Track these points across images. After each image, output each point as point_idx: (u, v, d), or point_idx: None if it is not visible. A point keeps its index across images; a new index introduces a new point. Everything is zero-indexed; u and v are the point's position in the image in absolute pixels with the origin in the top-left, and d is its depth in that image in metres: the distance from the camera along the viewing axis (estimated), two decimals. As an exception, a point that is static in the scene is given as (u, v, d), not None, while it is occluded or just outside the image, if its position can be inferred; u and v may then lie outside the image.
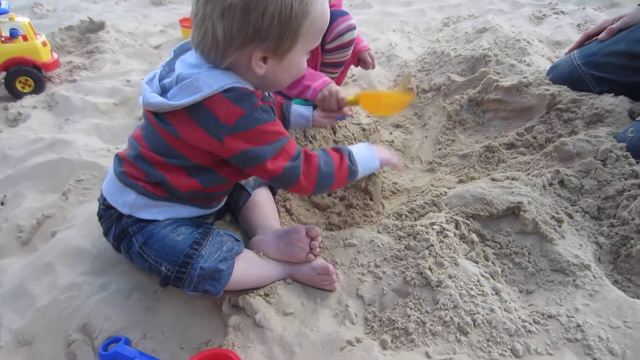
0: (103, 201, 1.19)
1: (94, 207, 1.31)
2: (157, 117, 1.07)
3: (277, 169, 1.03)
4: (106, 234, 1.20)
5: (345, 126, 1.98)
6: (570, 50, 1.85)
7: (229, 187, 1.25)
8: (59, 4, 5.60)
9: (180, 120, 1.03)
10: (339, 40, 1.84)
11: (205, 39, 1.00)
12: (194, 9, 1.02)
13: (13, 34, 2.79)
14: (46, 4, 5.56)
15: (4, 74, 2.77)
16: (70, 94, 2.58)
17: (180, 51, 1.14)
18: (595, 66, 1.72)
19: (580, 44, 1.85)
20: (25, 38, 2.79)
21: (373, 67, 2.01)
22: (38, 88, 2.78)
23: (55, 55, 2.99)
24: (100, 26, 3.89)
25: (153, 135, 1.10)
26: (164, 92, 1.06)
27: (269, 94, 1.11)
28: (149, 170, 1.10)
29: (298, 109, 1.49)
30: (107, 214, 1.17)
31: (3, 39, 2.77)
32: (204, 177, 1.11)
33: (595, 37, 1.81)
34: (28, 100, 2.61)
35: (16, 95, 2.74)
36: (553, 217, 1.25)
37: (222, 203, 1.31)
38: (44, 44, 2.88)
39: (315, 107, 1.53)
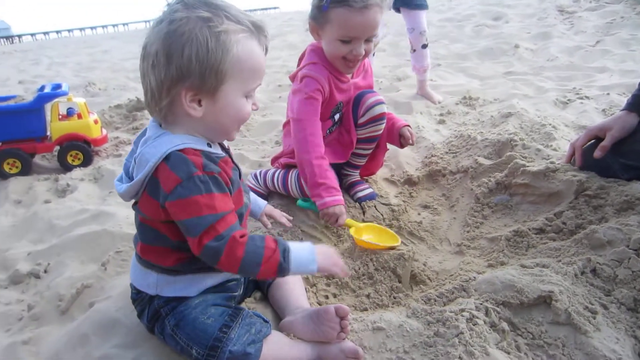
0: (133, 287, 1.25)
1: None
2: (134, 207, 1.16)
3: (199, 248, 1.03)
4: (140, 315, 1.25)
5: (375, 206, 2.04)
6: (568, 159, 1.87)
7: None
8: (110, 83, 6.13)
9: (143, 199, 1.11)
10: (370, 114, 1.97)
11: (147, 94, 1.09)
12: (140, 72, 1.11)
13: (70, 113, 3.07)
14: (98, 83, 6.10)
15: (57, 148, 3.01)
16: (115, 168, 2.76)
17: (138, 140, 1.19)
18: (622, 154, 1.75)
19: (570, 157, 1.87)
20: (79, 116, 3.06)
21: (412, 143, 2.10)
22: (87, 161, 3.00)
23: (105, 131, 3.25)
24: (146, 105, 4.20)
25: (138, 225, 1.19)
26: (132, 179, 1.12)
27: (217, 162, 1.11)
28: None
29: (255, 197, 1.58)
30: (139, 297, 1.23)
31: (60, 116, 3.04)
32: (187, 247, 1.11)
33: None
34: (77, 173, 2.80)
35: (66, 168, 2.95)
36: (587, 307, 1.22)
37: None
38: (96, 122, 3.14)
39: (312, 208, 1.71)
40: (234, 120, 1.14)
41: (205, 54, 1.02)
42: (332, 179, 1.78)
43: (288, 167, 2.01)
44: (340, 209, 1.71)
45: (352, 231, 1.70)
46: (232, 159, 1.22)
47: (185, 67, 1.02)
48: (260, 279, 1.36)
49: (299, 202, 1.80)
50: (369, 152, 2.13)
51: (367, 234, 1.74)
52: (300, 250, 1.13)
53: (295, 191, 1.95)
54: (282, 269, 1.09)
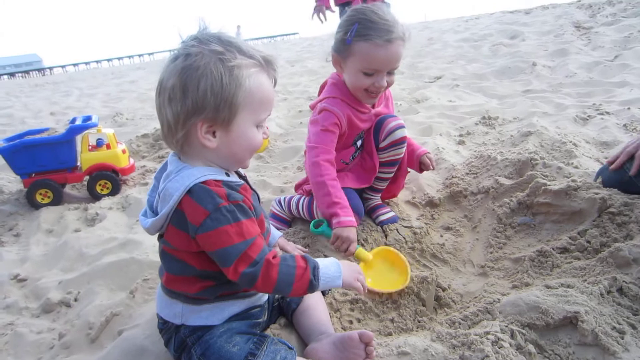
0: (160, 317, 1.28)
1: (157, 307, 1.41)
2: (159, 239, 1.21)
3: (236, 276, 1.09)
4: (167, 344, 1.28)
5: (397, 229, 2.05)
6: (615, 168, 1.82)
7: None
8: (137, 113, 6.33)
9: (169, 232, 1.16)
10: (391, 138, 2.00)
11: (163, 127, 1.15)
12: (156, 106, 1.17)
13: (99, 144, 3.19)
14: (126, 113, 6.31)
15: (87, 177, 3.12)
16: (142, 196, 2.85)
17: (159, 175, 1.25)
18: None
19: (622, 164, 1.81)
20: (108, 146, 3.17)
21: (433, 168, 2.15)
22: (115, 190, 3.10)
23: (132, 161, 3.35)
24: (171, 134, 4.33)
25: (164, 256, 1.23)
26: (156, 214, 1.17)
27: (239, 188, 1.16)
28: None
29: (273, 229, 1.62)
30: (166, 327, 1.26)
31: (90, 147, 3.16)
32: (213, 275, 1.18)
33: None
34: (105, 202, 2.90)
35: (95, 197, 3.05)
36: (614, 327, 1.21)
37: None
38: (124, 151, 3.25)
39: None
40: (246, 149, 1.20)
41: (219, 87, 1.08)
42: (346, 199, 1.80)
43: (312, 195, 2.04)
44: (353, 234, 1.72)
45: (361, 266, 1.67)
46: (250, 186, 1.26)
47: (200, 100, 1.08)
48: (292, 297, 1.40)
49: (312, 228, 1.81)
50: (391, 175, 2.15)
51: (377, 265, 1.71)
52: (327, 266, 1.21)
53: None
54: (312, 286, 1.16)
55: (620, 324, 1.22)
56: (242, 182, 1.23)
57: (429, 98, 4.75)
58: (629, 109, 3.28)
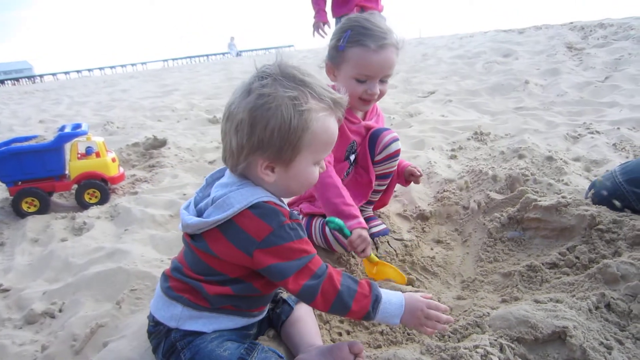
0: (152, 318, 1.26)
1: (144, 317, 1.39)
2: (193, 239, 1.20)
3: (297, 287, 1.10)
4: (155, 350, 1.26)
5: (388, 242, 2.04)
6: None
7: (264, 295, 1.29)
8: (128, 121, 6.29)
9: (212, 237, 1.15)
10: (387, 151, 2.01)
11: (225, 151, 1.18)
12: (221, 129, 1.20)
13: (88, 152, 3.16)
14: (117, 121, 6.27)
15: (75, 186, 3.09)
16: (132, 206, 2.82)
17: (212, 179, 1.29)
18: (637, 184, 1.75)
19: None
20: (98, 155, 3.15)
21: (420, 174, 2.13)
22: (103, 199, 3.06)
23: (122, 170, 3.32)
24: (163, 143, 4.32)
25: (192, 257, 1.21)
26: (199, 215, 1.19)
27: (297, 212, 1.20)
28: (192, 283, 1.20)
29: None
30: (156, 330, 1.24)
31: (79, 155, 3.13)
32: (237, 286, 1.19)
33: None
34: (93, 211, 2.86)
35: (83, 206, 3.01)
36: (602, 343, 1.21)
37: (265, 312, 1.35)
38: (113, 160, 3.22)
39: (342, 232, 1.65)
40: (302, 186, 1.24)
41: (287, 130, 1.10)
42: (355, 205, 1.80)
43: (310, 215, 2.03)
44: (365, 235, 1.69)
45: (365, 262, 1.75)
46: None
47: (266, 140, 1.10)
48: (348, 317, 1.38)
49: (330, 222, 1.74)
50: (384, 187, 2.16)
51: (380, 268, 1.77)
52: (390, 301, 1.19)
53: (319, 240, 1.95)
54: (368, 315, 1.16)
55: (607, 340, 1.22)
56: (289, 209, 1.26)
57: (422, 112, 4.79)
58: (618, 128, 3.33)
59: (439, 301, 1.67)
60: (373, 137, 2.03)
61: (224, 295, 1.18)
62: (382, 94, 1.91)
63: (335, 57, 1.87)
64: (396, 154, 2.03)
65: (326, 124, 1.16)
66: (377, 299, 1.17)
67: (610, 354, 1.18)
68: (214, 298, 1.18)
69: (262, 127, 1.09)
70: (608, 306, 1.35)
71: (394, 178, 2.19)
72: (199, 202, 1.24)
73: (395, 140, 2.02)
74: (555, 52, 6.90)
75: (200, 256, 1.18)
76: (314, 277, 1.11)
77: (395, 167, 2.10)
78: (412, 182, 2.16)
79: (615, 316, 1.32)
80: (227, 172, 1.24)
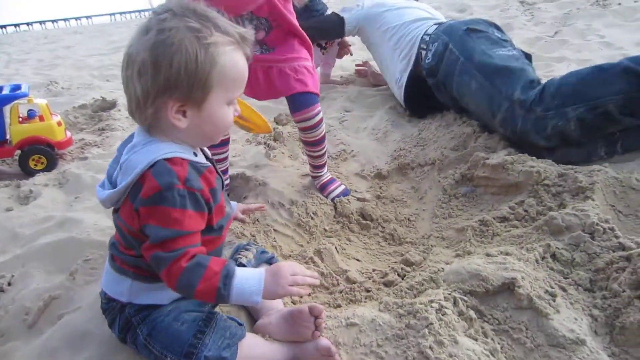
0: (104, 295, 1.23)
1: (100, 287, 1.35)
2: (115, 213, 1.15)
3: (149, 254, 1.04)
4: (111, 325, 1.23)
5: (348, 200, 2.07)
6: None
7: (208, 254, 1.14)
8: (74, 81, 5.93)
9: (124, 207, 1.10)
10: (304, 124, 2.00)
11: (131, 101, 1.07)
12: (122, 78, 1.09)
13: (30, 115, 2.96)
14: (61, 81, 5.89)
15: (18, 152, 2.91)
16: (81, 172, 2.69)
17: (123, 146, 1.18)
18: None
19: None
20: (41, 118, 2.96)
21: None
22: (50, 166, 2.91)
23: (69, 134, 3.15)
24: (112, 104, 4.11)
25: (120, 232, 1.16)
26: (115, 186, 1.11)
27: (199, 182, 1.07)
28: (129, 260, 1.15)
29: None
30: (110, 306, 1.21)
31: (20, 119, 2.93)
32: None
33: None
34: (40, 178, 2.71)
35: (29, 173, 2.85)
36: (547, 291, 1.28)
37: None
38: (59, 124, 3.04)
39: None
40: (218, 128, 1.15)
41: (194, 66, 1.02)
42: None
43: None
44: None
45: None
46: (216, 169, 1.22)
47: (173, 79, 1.02)
48: (197, 299, 1.17)
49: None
50: (316, 153, 2.14)
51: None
52: (247, 278, 1.08)
53: None
54: (221, 296, 1.04)
55: (552, 288, 1.30)
56: (209, 163, 1.19)
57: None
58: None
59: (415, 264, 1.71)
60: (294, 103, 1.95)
61: None
62: None
63: None
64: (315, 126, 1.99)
65: (234, 58, 1.09)
66: (227, 275, 1.04)
67: (554, 300, 1.25)
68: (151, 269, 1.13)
69: (166, 64, 1.00)
70: (553, 256, 1.43)
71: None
72: (112, 174, 1.16)
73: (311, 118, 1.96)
74: (508, 7, 6.93)
75: (124, 230, 1.13)
76: (167, 251, 1.01)
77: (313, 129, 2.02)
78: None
79: (559, 265, 1.41)
80: (136, 132, 1.15)
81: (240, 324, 1.18)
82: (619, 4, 5.59)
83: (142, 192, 1.02)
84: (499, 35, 2.49)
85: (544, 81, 2.09)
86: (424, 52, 2.76)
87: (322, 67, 4.23)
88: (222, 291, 1.04)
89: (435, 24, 2.84)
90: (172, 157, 1.05)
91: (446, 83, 2.54)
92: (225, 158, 2.18)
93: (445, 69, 2.52)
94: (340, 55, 4.28)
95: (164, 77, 1.01)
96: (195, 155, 1.14)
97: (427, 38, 2.75)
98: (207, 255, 1.08)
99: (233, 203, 1.60)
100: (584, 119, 1.88)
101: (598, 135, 1.93)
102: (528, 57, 2.46)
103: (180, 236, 1.03)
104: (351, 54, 4.39)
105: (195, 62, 1.01)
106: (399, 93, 3.07)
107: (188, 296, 1.11)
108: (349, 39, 4.13)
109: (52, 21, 34.01)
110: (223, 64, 1.05)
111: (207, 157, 1.23)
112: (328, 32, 3.64)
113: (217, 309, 1.32)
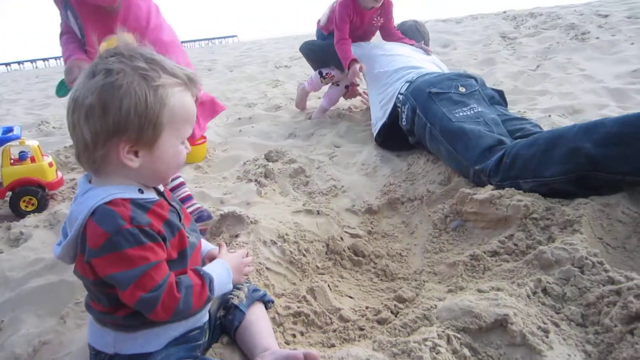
0: (92, 347, 1.21)
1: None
2: (74, 269, 1.15)
3: (133, 299, 1.02)
4: None
5: (342, 238, 2.08)
6: None
7: None
8: (65, 121, 5.91)
9: (79, 260, 1.10)
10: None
11: (78, 145, 1.08)
12: (68, 123, 1.10)
13: (22, 157, 2.97)
14: (52, 121, 5.92)
15: (9, 194, 2.90)
16: (72, 212, 2.68)
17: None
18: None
19: None
20: (33, 159, 2.97)
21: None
22: (41, 207, 2.89)
23: (60, 174, 3.15)
24: (103, 144, 4.11)
25: (86, 288, 1.17)
26: None
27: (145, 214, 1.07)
28: (100, 316, 1.16)
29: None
30: (98, 358, 1.19)
31: (12, 161, 2.94)
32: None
33: None
34: (30, 220, 2.69)
35: (19, 215, 2.83)
36: (539, 327, 1.29)
37: (205, 309, 1.28)
38: (50, 165, 3.04)
39: None
40: (170, 167, 1.16)
41: (144, 108, 1.03)
42: None
43: None
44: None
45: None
46: (168, 201, 1.21)
47: (123, 121, 1.03)
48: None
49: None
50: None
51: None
52: (220, 274, 1.24)
53: None
54: (209, 299, 1.18)
55: (545, 323, 1.31)
56: (158, 198, 1.18)
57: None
58: (549, 116, 3.53)
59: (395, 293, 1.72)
60: None
61: (134, 312, 1.10)
62: None
63: None
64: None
65: (183, 99, 1.11)
66: (211, 282, 1.17)
67: (547, 337, 1.26)
68: (129, 319, 1.12)
69: (115, 108, 1.01)
70: (544, 290, 1.44)
71: None
72: (66, 231, 1.14)
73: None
74: (490, 42, 7.18)
75: (86, 284, 1.14)
76: (154, 290, 1.02)
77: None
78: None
79: (551, 300, 1.42)
80: (78, 183, 1.15)
81: (233, 368, 1.17)
82: (597, 37, 5.83)
83: (90, 242, 1.02)
84: (462, 92, 2.55)
85: (507, 141, 2.16)
86: (399, 110, 2.92)
87: (323, 99, 4.28)
88: (211, 296, 1.17)
89: (408, 81, 2.94)
90: (111, 199, 1.04)
91: (423, 144, 2.72)
92: (181, 184, 2.28)
93: (418, 133, 2.69)
94: (347, 96, 4.36)
95: (113, 120, 1.02)
96: (142, 192, 1.13)
97: (400, 97, 2.90)
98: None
99: (209, 245, 1.51)
100: (538, 191, 1.92)
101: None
102: (500, 93, 2.55)
103: (152, 268, 1.02)
104: (359, 96, 4.45)
105: (145, 103, 1.03)
106: (373, 135, 3.29)
107: (183, 318, 1.17)
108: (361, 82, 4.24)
109: (43, 59, 34.27)
110: (172, 104, 1.08)
111: (158, 192, 1.22)
112: (330, 59, 3.93)
113: (210, 352, 1.31)
